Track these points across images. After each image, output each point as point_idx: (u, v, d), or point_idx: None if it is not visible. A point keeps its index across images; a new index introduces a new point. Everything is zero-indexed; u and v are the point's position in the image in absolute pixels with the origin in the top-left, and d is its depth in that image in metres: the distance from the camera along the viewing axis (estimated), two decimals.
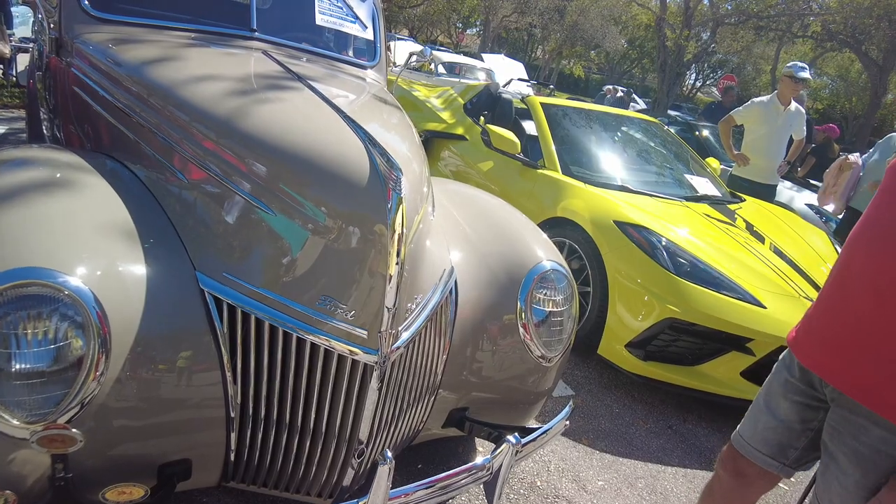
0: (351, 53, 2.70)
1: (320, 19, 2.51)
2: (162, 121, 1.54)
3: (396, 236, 1.21)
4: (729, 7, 16.00)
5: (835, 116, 25.25)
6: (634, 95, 14.80)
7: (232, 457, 1.36)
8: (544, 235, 1.95)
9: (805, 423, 1.35)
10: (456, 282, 1.64)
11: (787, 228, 3.70)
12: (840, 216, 4.98)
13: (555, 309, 1.77)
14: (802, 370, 1.33)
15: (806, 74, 4.75)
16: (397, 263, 1.22)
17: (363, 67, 2.57)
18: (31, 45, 4.93)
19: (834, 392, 1.25)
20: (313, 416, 1.33)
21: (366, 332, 1.25)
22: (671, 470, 2.53)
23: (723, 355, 2.79)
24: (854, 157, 4.56)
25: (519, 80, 12.47)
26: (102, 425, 1.16)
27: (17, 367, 1.07)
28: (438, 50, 18.09)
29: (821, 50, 21.11)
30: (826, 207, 5.00)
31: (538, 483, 2.24)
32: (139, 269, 1.24)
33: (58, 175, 1.40)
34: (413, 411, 1.56)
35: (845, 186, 4.55)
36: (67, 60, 2.06)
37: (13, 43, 6.38)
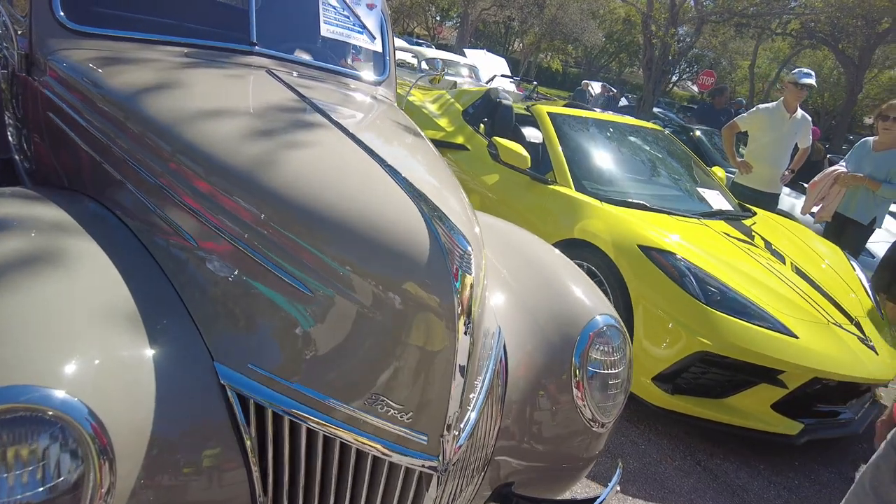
0: (367, 67, 2.45)
1: (326, 30, 2.26)
2: (162, 167, 1.29)
3: (463, 322, 1.00)
4: (712, 3, 16.00)
5: (808, 111, 25.62)
6: (622, 96, 14.74)
7: None
8: (592, 283, 1.75)
9: None
10: (505, 345, 1.43)
11: (803, 245, 3.57)
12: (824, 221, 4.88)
13: (612, 371, 1.57)
14: None
15: (810, 81, 4.64)
16: (465, 354, 1.01)
17: (374, 84, 2.34)
18: None
19: None
20: None
21: (426, 438, 1.03)
22: None
23: (753, 387, 2.64)
24: (843, 168, 4.45)
25: (502, 76, 12.30)
26: None
27: None
28: (418, 45, 17.76)
29: (798, 47, 21.31)
30: (812, 211, 4.92)
31: None
32: (145, 365, 1.00)
33: (35, 240, 1.14)
34: (465, 495, 1.36)
35: (836, 196, 4.46)
36: (40, 80, 1.78)
37: None
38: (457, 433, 1.06)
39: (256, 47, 2.02)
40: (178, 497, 1.02)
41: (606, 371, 1.57)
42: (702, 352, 2.55)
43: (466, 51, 16.00)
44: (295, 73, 2.00)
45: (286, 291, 1.06)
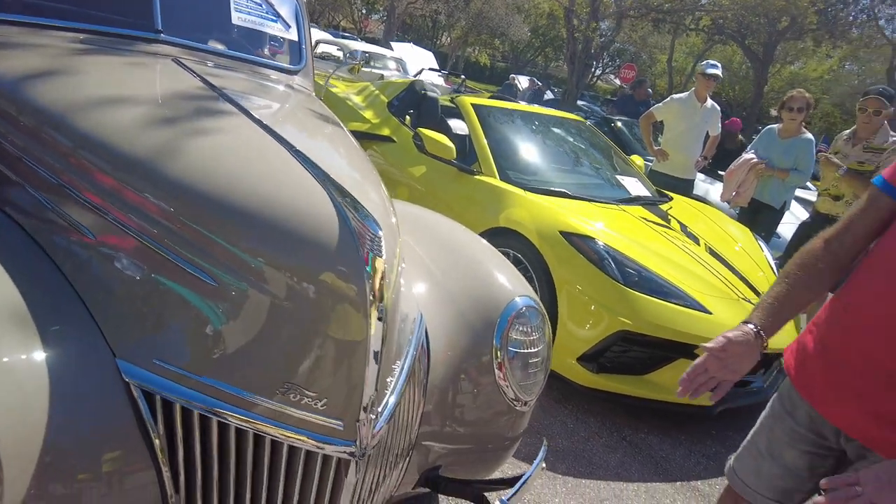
0: (278, 57, 2.39)
1: (237, 18, 2.19)
2: (55, 159, 1.20)
3: (376, 306, 0.99)
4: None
5: (720, 103, 27.10)
6: (548, 89, 15.06)
7: None
8: (513, 267, 1.79)
9: (813, 470, 1.29)
10: (426, 330, 1.44)
11: (717, 227, 3.78)
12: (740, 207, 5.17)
13: (531, 350, 1.61)
14: (812, 419, 1.26)
15: (714, 71, 4.91)
16: (379, 337, 1.00)
17: (289, 73, 2.28)
18: None
19: (864, 449, 1.17)
20: None
21: (341, 423, 1.02)
22: (633, 486, 2.47)
23: (672, 363, 2.77)
24: (756, 157, 4.72)
25: (430, 69, 12.31)
26: None
27: None
28: (344, 37, 17.50)
29: (710, 43, 22.45)
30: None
31: None
32: (38, 367, 0.94)
33: None
34: (388, 481, 1.36)
35: (752, 183, 4.74)
36: None
37: None
38: (374, 417, 1.06)
39: (162, 35, 1.92)
40: (81, 502, 0.97)
41: (526, 350, 1.60)
42: (622, 331, 2.65)
43: (393, 44, 15.91)
44: (206, 63, 1.93)
45: (191, 284, 1.02)
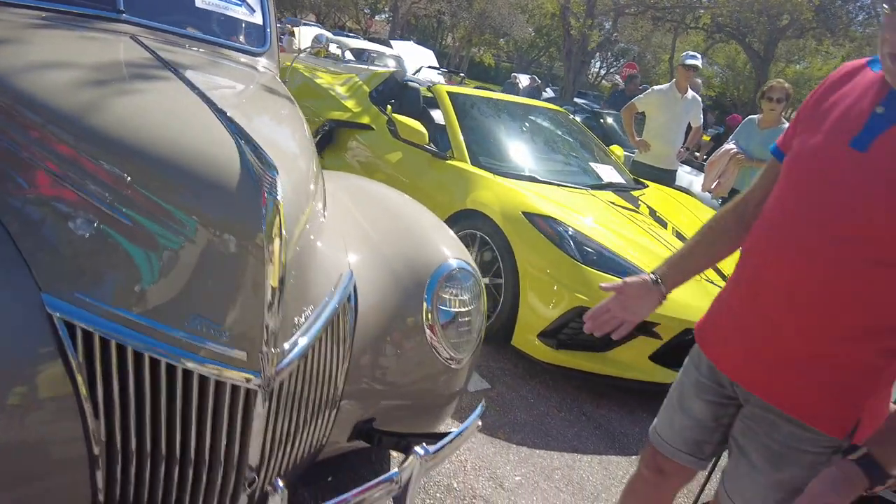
0: (242, 39, 2.49)
1: (201, 1, 2.28)
2: None
3: (275, 244, 1.08)
4: None
5: (725, 103, 27.01)
6: (547, 87, 15.13)
7: (101, 497, 1.18)
8: (451, 232, 1.87)
9: (717, 420, 1.36)
10: (355, 286, 1.52)
11: (689, 213, 3.84)
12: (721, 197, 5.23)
13: (462, 309, 1.69)
14: (711, 370, 1.33)
15: (693, 62, 4.96)
16: (278, 273, 1.09)
17: (253, 55, 2.37)
18: None
19: (746, 393, 1.25)
20: (193, 444, 1.18)
21: (245, 354, 1.11)
22: (587, 458, 2.55)
23: (631, 340, 2.84)
24: (736, 148, 4.77)
25: (429, 67, 12.38)
26: None
27: None
28: (347, 36, 17.63)
29: (711, 41, 22.42)
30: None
31: (455, 485, 2.18)
32: None
33: None
34: (312, 428, 1.44)
35: (732, 174, 4.79)
36: None
37: None
38: (278, 352, 1.15)
39: (124, 15, 2.02)
40: (7, 424, 1.06)
41: (457, 310, 1.68)
42: (579, 307, 2.72)
43: (393, 42, 15.99)
44: (164, 42, 2.02)
45: (109, 223, 1.11)
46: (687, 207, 3.97)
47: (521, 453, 2.46)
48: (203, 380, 1.13)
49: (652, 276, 1.37)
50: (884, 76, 1.06)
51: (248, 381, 1.12)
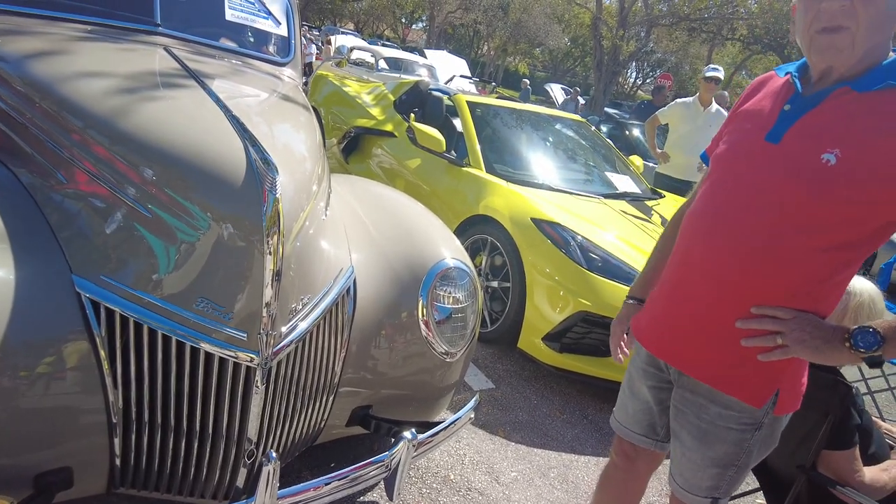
0: (272, 50, 2.66)
1: (230, 15, 2.46)
2: (43, 120, 1.48)
3: (274, 237, 1.22)
4: (664, 9, 16.55)
5: None
6: (579, 96, 15.17)
7: (118, 462, 1.33)
8: (450, 233, 1.99)
9: (661, 404, 1.45)
10: (355, 280, 1.65)
11: None
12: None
13: (457, 306, 1.80)
14: (650, 357, 1.42)
15: (714, 74, 4.99)
16: (276, 264, 1.23)
17: (277, 64, 2.54)
18: None
19: (677, 374, 1.35)
20: (199, 418, 1.32)
21: (245, 335, 1.25)
22: (584, 459, 2.62)
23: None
24: None
25: (461, 76, 12.56)
26: None
27: None
28: (384, 45, 17.96)
29: (749, 52, 22.08)
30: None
31: (451, 476, 2.28)
32: (6, 274, 1.20)
33: None
34: (310, 410, 1.57)
35: None
36: None
37: None
38: (275, 334, 1.28)
39: (160, 28, 2.21)
40: (37, 390, 1.22)
41: (451, 306, 1.80)
42: (583, 311, 2.81)
43: (427, 51, 16.26)
44: (195, 52, 2.19)
45: (133, 215, 1.28)
46: None
47: (520, 451, 2.55)
48: (208, 357, 1.27)
49: (631, 300, 1.54)
50: (789, 80, 1.24)
51: (249, 360, 1.26)
